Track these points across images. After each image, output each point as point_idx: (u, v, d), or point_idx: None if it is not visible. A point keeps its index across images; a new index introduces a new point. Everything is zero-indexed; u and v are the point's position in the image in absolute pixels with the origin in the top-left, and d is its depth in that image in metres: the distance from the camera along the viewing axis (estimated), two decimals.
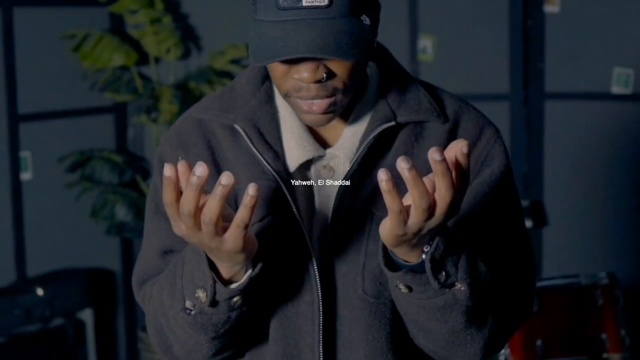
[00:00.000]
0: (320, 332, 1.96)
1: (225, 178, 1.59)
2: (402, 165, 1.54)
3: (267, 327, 2.01)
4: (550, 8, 5.93)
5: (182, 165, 1.63)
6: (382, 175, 1.56)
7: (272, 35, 1.75)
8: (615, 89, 5.65)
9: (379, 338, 1.98)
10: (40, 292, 5.44)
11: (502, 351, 4.19)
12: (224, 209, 1.66)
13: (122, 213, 5.74)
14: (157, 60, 6.09)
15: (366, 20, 1.80)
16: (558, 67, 5.94)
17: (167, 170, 1.61)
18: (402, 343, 2.02)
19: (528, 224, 5.92)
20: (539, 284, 4.30)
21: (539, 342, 4.20)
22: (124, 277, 6.37)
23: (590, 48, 5.77)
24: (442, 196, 1.60)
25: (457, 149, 1.59)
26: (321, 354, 1.97)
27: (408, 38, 6.08)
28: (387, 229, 1.66)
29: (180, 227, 1.66)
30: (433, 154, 1.54)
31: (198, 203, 1.62)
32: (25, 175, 5.76)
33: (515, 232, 2.06)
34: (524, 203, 5.98)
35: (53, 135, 5.91)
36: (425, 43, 6.09)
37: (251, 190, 1.61)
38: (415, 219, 1.61)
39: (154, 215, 2.08)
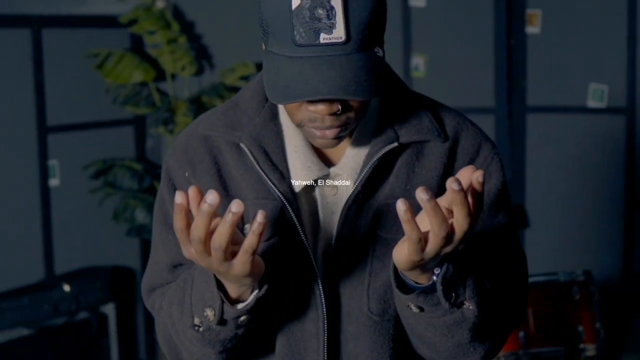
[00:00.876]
0: (325, 349, 1.91)
1: (235, 206, 1.53)
2: (422, 196, 1.49)
3: (274, 342, 1.95)
4: (531, 29, 5.97)
5: (192, 191, 1.58)
6: (401, 206, 1.51)
7: (290, 73, 1.65)
8: (591, 103, 5.67)
9: (383, 353, 1.92)
10: (66, 288, 5.43)
11: None
12: (234, 234, 1.60)
13: (141, 216, 5.71)
14: (173, 76, 6.06)
15: (379, 52, 1.71)
16: (538, 83, 5.98)
17: (178, 198, 1.56)
18: (405, 357, 1.97)
19: None
20: None
21: (521, 334, 4.19)
22: (142, 275, 6.29)
23: (567, 65, 5.81)
24: (460, 224, 1.55)
25: (473, 178, 1.55)
26: None
27: (402, 56, 6.07)
28: (404, 255, 1.61)
29: (190, 252, 1.61)
30: (452, 184, 1.50)
31: (208, 230, 1.57)
32: (53, 182, 5.74)
33: (511, 244, 2.00)
34: None
35: (78, 145, 5.88)
36: (418, 61, 6.09)
37: (259, 217, 1.55)
38: (433, 246, 1.57)
39: (162, 227, 2.00)
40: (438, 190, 1.86)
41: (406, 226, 1.53)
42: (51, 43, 5.72)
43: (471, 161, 1.94)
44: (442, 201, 1.56)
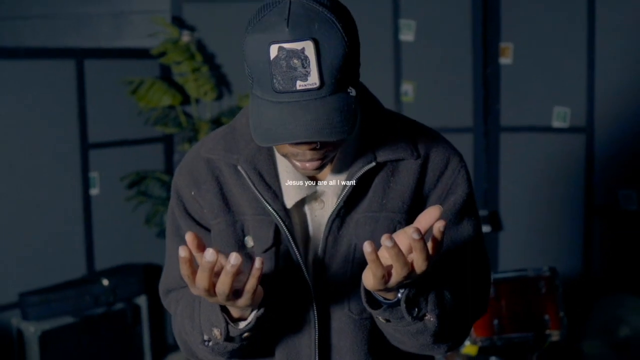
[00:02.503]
0: (316, 342, 1.89)
1: (234, 258, 1.53)
2: (387, 243, 1.48)
3: (273, 338, 1.93)
4: (504, 60, 5.95)
5: (189, 237, 1.56)
6: (367, 248, 1.50)
7: (271, 116, 1.61)
8: (556, 124, 5.64)
9: (362, 346, 1.90)
10: (105, 282, 5.44)
11: None
12: (236, 280, 1.58)
13: None
14: (197, 101, 6.04)
15: (352, 91, 1.65)
16: (510, 106, 5.95)
17: (182, 252, 1.54)
18: (381, 349, 1.94)
19: (487, 229, 5.91)
20: (496, 275, 4.27)
21: (495, 322, 4.16)
22: None
23: (535, 91, 5.80)
24: (419, 265, 1.54)
25: (434, 227, 1.54)
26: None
27: (393, 83, 6.04)
28: (370, 283, 1.61)
29: (197, 292, 1.60)
30: (413, 234, 1.49)
31: (211, 281, 1.56)
32: (94, 191, 5.75)
33: (475, 246, 1.94)
34: (484, 213, 5.99)
35: (115, 159, 5.88)
36: (407, 88, 6.05)
37: (257, 263, 1.56)
38: (395, 280, 1.57)
39: (174, 238, 1.98)
40: (411, 202, 1.87)
41: (371, 265, 1.54)
42: (92, 72, 5.72)
43: (440, 175, 1.91)
44: (404, 240, 1.56)
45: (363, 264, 1.67)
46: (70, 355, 5.23)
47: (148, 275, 6.01)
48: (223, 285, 1.56)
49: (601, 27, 5.34)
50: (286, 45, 1.56)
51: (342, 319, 1.89)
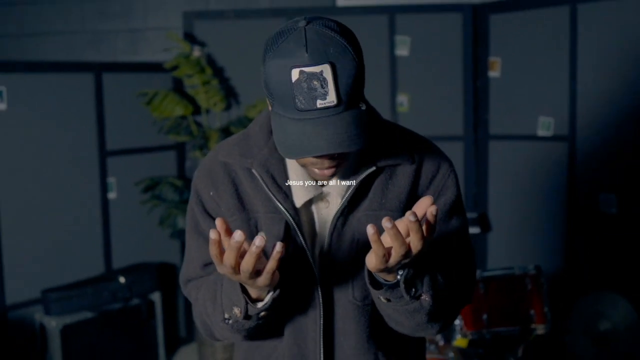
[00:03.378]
0: (322, 326, 1.95)
1: (259, 240, 1.57)
2: (387, 225, 1.55)
3: (284, 322, 1.99)
4: (493, 73, 5.98)
5: (219, 222, 1.61)
6: (370, 230, 1.56)
7: (295, 132, 1.67)
8: (540, 132, 5.64)
9: (364, 329, 1.96)
10: (122, 280, 5.46)
11: (457, 322, 4.13)
12: (259, 259, 1.63)
13: (181, 222, 5.65)
14: (207, 111, 6.05)
15: (363, 106, 1.72)
16: (498, 116, 5.98)
17: (212, 234, 1.59)
18: (381, 332, 2.00)
19: (477, 230, 5.91)
20: (485, 273, 4.27)
21: (484, 316, 4.16)
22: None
23: (521, 102, 5.79)
24: (415, 245, 1.60)
25: (428, 211, 1.59)
26: (321, 344, 1.95)
27: (390, 95, 6.06)
28: (372, 263, 1.66)
29: (223, 270, 1.65)
30: (409, 216, 1.55)
31: (237, 259, 1.61)
32: (111, 195, 5.77)
33: (462, 241, 2.01)
34: (474, 215, 6.00)
35: (131, 166, 5.90)
36: (403, 99, 6.07)
37: (277, 247, 1.61)
38: (394, 260, 1.62)
39: (194, 233, 2.03)
40: (406, 202, 1.93)
41: (374, 245, 1.59)
42: (109, 84, 5.73)
43: (432, 178, 1.97)
44: (402, 225, 1.61)
45: (364, 256, 1.73)
46: (89, 347, 5.24)
47: (161, 273, 6.03)
48: (247, 264, 1.61)
49: (582, 43, 5.34)
50: (306, 69, 1.63)
51: (346, 306, 1.94)
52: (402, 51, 6.05)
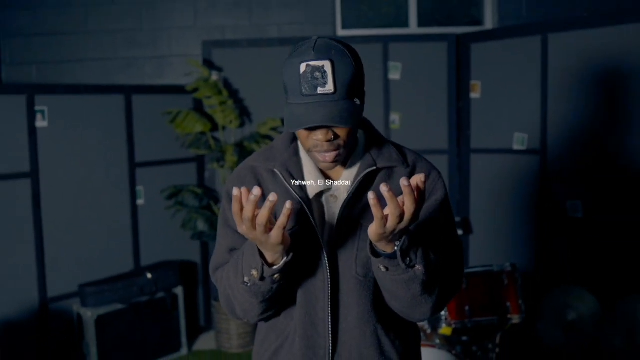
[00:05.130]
0: (329, 298, 1.98)
1: (272, 196, 1.66)
2: (384, 189, 1.61)
3: (295, 295, 2.02)
4: (474, 95, 5.96)
5: (243, 189, 1.71)
6: (371, 195, 1.64)
7: (299, 113, 1.79)
8: (515, 147, 5.63)
9: (366, 303, 2.00)
10: (149, 275, 5.48)
11: (442, 313, 4.11)
12: (270, 217, 1.72)
13: (201, 225, 5.64)
14: (223, 128, 6.05)
15: (357, 101, 1.84)
16: (479, 132, 5.96)
17: (235, 191, 1.70)
18: (380, 306, 2.03)
19: (460, 232, 5.95)
20: (467, 270, 4.27)
21: (466, 308, 4.17)
22: (202, 267, 6.31)
23: (499, 120, 5.78)
24: (408, 208, 1.67)
25: (417, 179, 1.67)
26: (329, 312, 1.98)
27: (383, 114, 6.06)
28: (372, 229, 1.71)
29: (242, 228, 1.73)
30: (403, 181, 1.63)
31: (254, 212, 1.70)
32: (140, 202, 5.80)
33: (451, 235, 2.06)
34: (458, 219, 5.97)
35: (157, 176, 5.92)
36: (395, 117, 6.07)
37: (288, 204, 1.68)
38: (391, 222, 1.68)
39: (224, 227, 2.09)
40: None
41: (374, 208, 1.66)
42: (138, 105, 5.76)
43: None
44: (399, 197, 1.69)
45: (367, 238, 1.85)
46: (120, 335, 5.26)
47: (183, 270, 6.08)
48: (262, 217, 1.70)
49: (552, 68, 5.35)
50: (311, 63, 1.78)
51: (350, 280, 1.99)
52: (394, 75, 6.06)
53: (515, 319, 4.30)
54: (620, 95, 4.98)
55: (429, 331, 4.26)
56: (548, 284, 5.44)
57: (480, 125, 5.98)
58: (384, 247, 1.80)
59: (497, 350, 4.25)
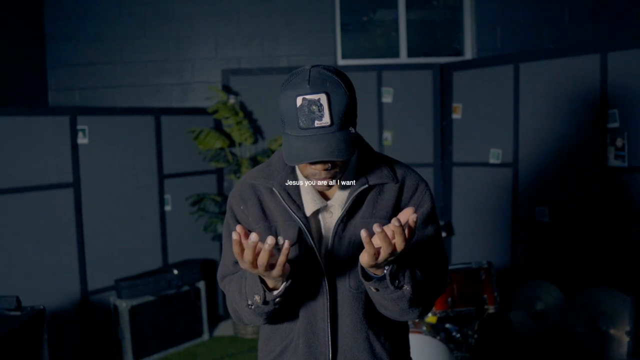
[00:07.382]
0: (328, 309, 1.89)
1: (270, 239, 1.53)
2: (377, 229, 1.51)
3: (297, 308, 1.93)
4: (456, 115, 5.93)
5: (240, 229, 1.56)
6: (363, 233, 1.53)
7: (298, 145, 1.65)
8: (491, 161, 5.60)
9: (358, 313, 1.90)
10: (175, 271, 5.45)
11: None
12: (270, 254, 1.59)
13: (220, 229, 5.54)
14: (239, 144, 6.00)
15: (352, 129, 1.69)
16: (460, 148, 5.94)
17: (234, 235, 1.56)
18: (372, 315, 1.94)
19: (443, 234, 5.95)
20: (450, 267, 4.19)
21: (449, 299, 4.17)
22: (218, 267, 6.25)
23: (477, 137, 5.76)
24: (399, 246, 1.56)
25: (410, 217, 1.55)
26: (329, 322, 1.89)
27: (377, 132, 6.02)
28: (364, 260, 1.62)
29: (244, 266, 1.61)
30: (394, 222, 1.52)
31: (254, 255, 1.57)
32: (167, 208, 5.76)
33: (437, 243, 1.94)
34: (441, 223, 6.02)
35: (183, 185, 5.88)
36: (387, 135, 6.03)
37: (286, 244, 1.58)
38: (382, 257, 1.58)
39: (228, 239, 2.00)
40: (392, 212, 1.89)
41: (366, 245, 1.56)
42: (166, 124, 5.73)
43: (413, 194, 1.93)
44: (388, 230, 1.58)
45: (359, 254, 1.73)
46: (151, 323, 5.24)
47: (205, 267, 6.02)
48: (262, 259, 1.58)
49: (523, 93, 5.36)
50: (307, 97, 1.63)
51: (344, 292, 1.89)
52: (387, 99, 6.04)
53: (491, 309, 4.29)
54: (582, 115, 4.97)
55: (416, 320, 4.26)
56: (520, 278, 5.43)
57: (461, 141, 5.96)
58: (375, 271, 1.70)
59: (476, 336, 4.24)
